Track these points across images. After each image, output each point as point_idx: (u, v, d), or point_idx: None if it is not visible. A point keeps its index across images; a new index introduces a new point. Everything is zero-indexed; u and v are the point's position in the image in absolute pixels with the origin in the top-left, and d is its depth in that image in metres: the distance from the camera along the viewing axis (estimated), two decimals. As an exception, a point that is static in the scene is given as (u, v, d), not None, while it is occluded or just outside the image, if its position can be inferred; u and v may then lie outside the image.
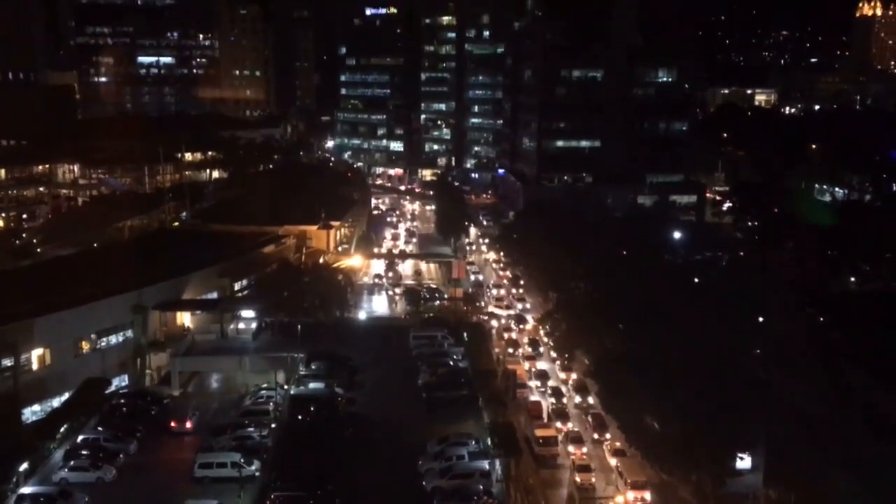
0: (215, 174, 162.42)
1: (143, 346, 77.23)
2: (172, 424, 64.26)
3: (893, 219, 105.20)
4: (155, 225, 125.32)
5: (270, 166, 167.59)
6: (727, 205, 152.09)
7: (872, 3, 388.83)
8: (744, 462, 54.18)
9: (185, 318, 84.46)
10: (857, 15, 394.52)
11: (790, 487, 51.47)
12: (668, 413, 52.47)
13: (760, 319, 65.94)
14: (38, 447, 58.10)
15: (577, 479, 58.04)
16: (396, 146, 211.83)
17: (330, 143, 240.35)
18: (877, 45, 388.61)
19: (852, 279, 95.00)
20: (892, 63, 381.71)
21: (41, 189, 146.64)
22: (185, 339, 78.37)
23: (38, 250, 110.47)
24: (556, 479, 60.37)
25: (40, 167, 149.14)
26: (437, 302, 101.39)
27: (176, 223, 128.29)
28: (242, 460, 54.83)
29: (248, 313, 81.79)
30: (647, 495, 55.10)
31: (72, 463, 56.16)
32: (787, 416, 51.40)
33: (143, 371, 77.05)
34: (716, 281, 79.07)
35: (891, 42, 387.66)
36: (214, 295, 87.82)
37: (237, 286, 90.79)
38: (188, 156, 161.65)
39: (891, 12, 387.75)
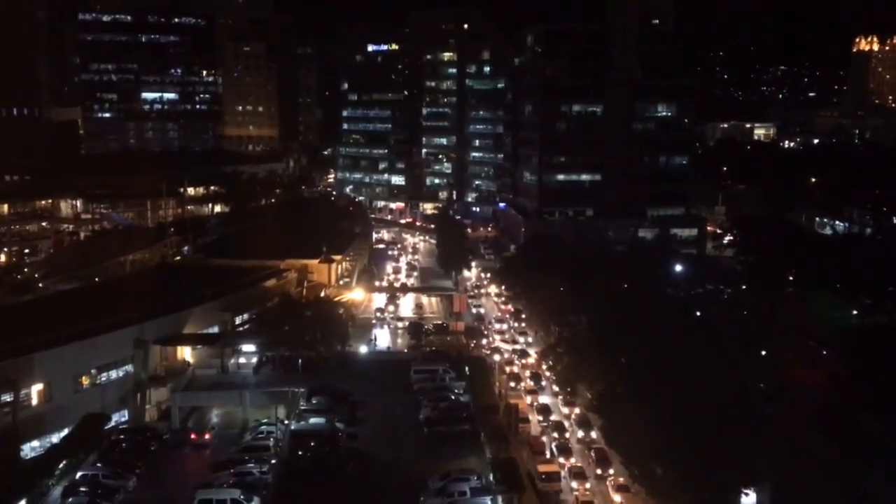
0: (217, 208, 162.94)
1: (144, 381, 76.63)
2: (192, 436, 67.23)
3: (894, 252, 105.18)
4: (157, 259, 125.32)
5: (273, 200, 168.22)
6: (728, 238, 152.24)
7: (869, 39, 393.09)
8: (749, 498, 53.57)
9: (185, 353, 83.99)
10: (855, 50, 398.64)
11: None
12: (672, 447, 52.02)
13: (763, 353, 65.64)
14: (37, 484, 57.50)
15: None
16: (398, 180, 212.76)
17: (332, 178, 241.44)
18: (874, 79, 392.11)
19: (854, 312, 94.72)
20: (890, 97, 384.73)
21: (44, 224, 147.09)
22: (186, 374, 77.90)
23: (40, 285, 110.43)
24: (559, 515, 59.73)
25: (43, 202, 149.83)
26: (438, 334, 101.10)
27: (178, 257, 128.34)
28: (242, 497, 54.30)
29: (248, 347, 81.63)
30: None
31: (70, 500, 55.65)
32: (792, 452, 50.90)
33: (143, 406, 76.42)
34: (717, 314, 78.83)
35: (888, 77, 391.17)
36: (215, 329, 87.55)
37: (238, 320, 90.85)
38: (191, 190, 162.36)
39: (887, 47, 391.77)
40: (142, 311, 79.26)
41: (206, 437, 67.83)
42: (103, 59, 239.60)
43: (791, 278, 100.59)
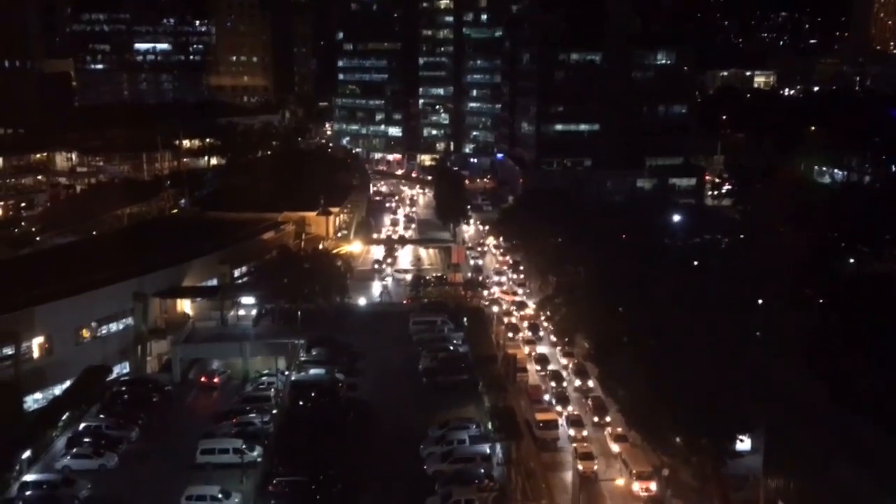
0: (213, 161, 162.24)
1: (144, 334, 77.30)
2: (203, 379, 70.16)
3: (893, 200, 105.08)
4: (154, 213, 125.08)
5: (269, 153, 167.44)
6: (726, 187, 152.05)
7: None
8: (744, 444, 54.30)
9: (185, 306, 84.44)
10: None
11: (791, 473, 51.59)
12: (668, 395, 52.55)
13: (760, 302, 65.95)
14: (41, 435, 58.05)
15: (580, 467, 58.22)
16: (395, 131, 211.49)
17: (328, 129, 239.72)
18: (876, 26, 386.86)
19: (851, 261, 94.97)
20: (892, 44, 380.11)
21: (39, 177, 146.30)
22: (186, 327, 78.27)
23: (38, 239, 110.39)
24: (556, 462, 60.78)
25: (38, 155, 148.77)
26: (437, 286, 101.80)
27: (175, 211, 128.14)
28: (244, 446, 55.04)
29: (248, 300, 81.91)
30: (653, 486, 55.26)
31: (74, 450, 56.31)
32: (787, 401, 51.44)
33: (144, 358, 77.21)
34: (715, 264, 79.01)
35: (890, 23, 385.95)
36: (214, 282, 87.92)
37: (237, 273, 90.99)
38: (186, 143, 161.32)
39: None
40: (140, 265, 79.42)
41: (216, 380, 70.36)
42: (95, 9, 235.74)
43: (789, 227, 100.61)
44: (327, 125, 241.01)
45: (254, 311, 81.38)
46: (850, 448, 48.46)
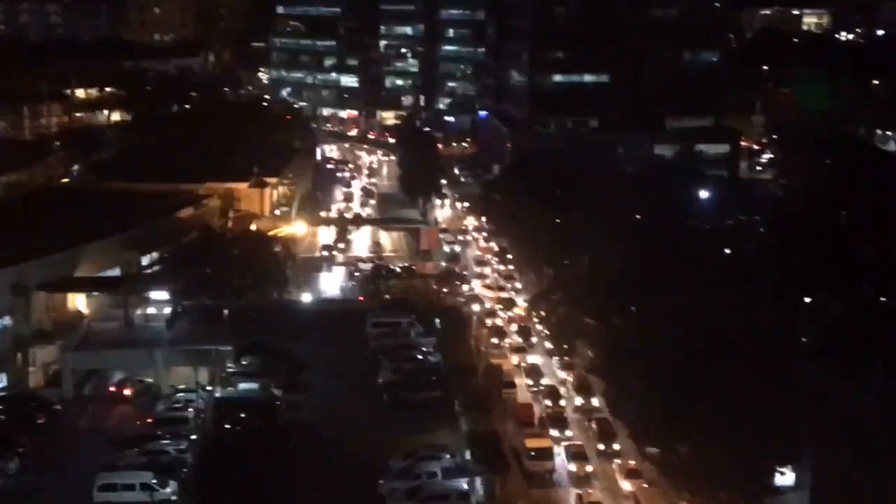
0: (116, 117, 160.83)
1: (25, 338, 76.58)
2: (112, 389, 71.29)
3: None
4: (38, 182, 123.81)
5: (187, 107, 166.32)
6: (767, 156, 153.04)
7: None
8: (786, 478, 54.93)
9: (79, 302, 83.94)
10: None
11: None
12: (693, 418, 53.24)
13: (808, 300, 66.77)
14: None
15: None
16: (349, 81, 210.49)
17: (264, 77, 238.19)
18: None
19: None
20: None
21: None
22: (80, 329, 77.74)
23: None
24: (551, 500, 60.81)
25: None
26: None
27: (66, 180, 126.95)
28: (155, 481, 54.91)
29: (160, 295, 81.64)
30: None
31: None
32: (841, 422, 52.11)
33: (26, 369, 76.23)
34: (753, 252, 79.92)
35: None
36: (117, 272, 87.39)
37: (146, 260, 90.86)
38: (80, 93, 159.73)
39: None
40: (20, 250, 78.63)
41: (127, 391, 70.45)
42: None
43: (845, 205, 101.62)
44: (262, 72, 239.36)
45: (168, 310, 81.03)
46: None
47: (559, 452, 64.69)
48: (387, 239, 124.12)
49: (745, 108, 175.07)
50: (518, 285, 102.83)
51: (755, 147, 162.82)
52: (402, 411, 67.10)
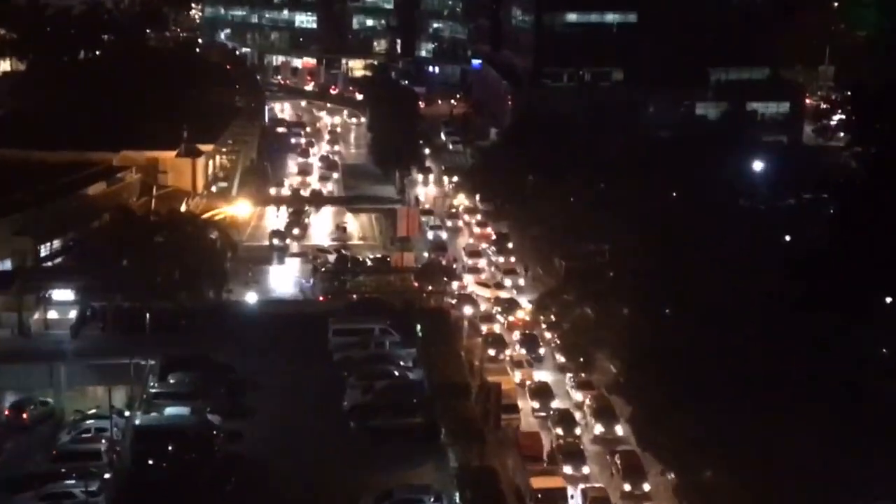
0: (5, 66, 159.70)
1: None
2: (6, 413, 70.98)
3: None
4: None
5: (98, 53, 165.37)
6: (838, 117, 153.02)
7: None
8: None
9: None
10: None
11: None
12: (746, 451, 53.43)
13: (889, 301, 66.87)
14: None
15: None
16: (306, 20, 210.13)
17: (196, 16, 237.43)
18: None
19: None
20: None
21: None
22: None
23: None
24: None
25: None
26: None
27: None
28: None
29: (63, 295, 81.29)
30: None
31: None
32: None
33: None
34: (820, 240, 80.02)
35: None
36: (7, 265, 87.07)
37: (44, 250, 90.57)
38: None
39: None
40: None
41: (24, 416, 70.41)
42: None
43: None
44: (194, 8, 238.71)
45: (73, 313, 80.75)
46: None
47: (573, 495, 64.56)
48: (354, 223, 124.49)
49: (811, 57, 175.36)
50: (521, 282, 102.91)
51: (823, 106, 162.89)
52: (374, 443, 66.52)
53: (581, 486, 65.99)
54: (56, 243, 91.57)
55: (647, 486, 65.18)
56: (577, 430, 72.78)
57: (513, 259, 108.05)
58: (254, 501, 59.69)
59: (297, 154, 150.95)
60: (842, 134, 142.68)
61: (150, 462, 63.14)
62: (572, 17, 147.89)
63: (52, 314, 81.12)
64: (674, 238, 75.93)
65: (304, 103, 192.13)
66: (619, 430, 72.16)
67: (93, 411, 70.57)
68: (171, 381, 73.12)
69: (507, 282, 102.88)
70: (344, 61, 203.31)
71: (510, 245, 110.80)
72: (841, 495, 52.48)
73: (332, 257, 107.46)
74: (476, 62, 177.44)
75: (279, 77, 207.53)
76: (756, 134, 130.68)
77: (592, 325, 76.80)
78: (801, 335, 59.48)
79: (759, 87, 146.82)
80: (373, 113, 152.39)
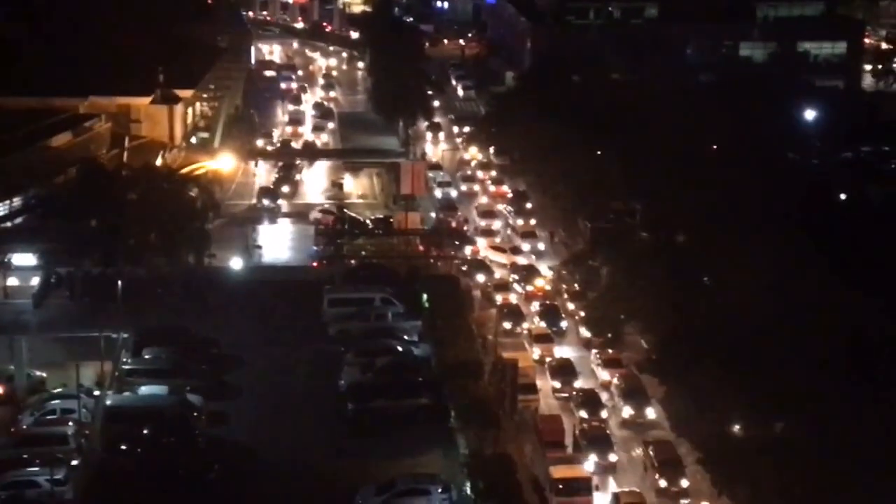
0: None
1: None
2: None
3: None
4: None
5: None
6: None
7: None
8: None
9: None
10: None
11: None
12: (795, 440, 52.72)
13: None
14: None
15: None
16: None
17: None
18: None
19: None
20: None
21: None
22: None
23: None
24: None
25: None
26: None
27: None
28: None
29: (24, 259, 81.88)
30: None
31: None
32: None
33: None
34: (881, 198, 79.53)
35: None
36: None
37: (3, 209, 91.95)
38: None
39: None
40: None
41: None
42: None
43: None
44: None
45: (36, 280, 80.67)
46: None
47: (598, 486, 64.24)
48: (352, 180, 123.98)
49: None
50: (541, 246, 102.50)
51: (885, 46, 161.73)
52: (375, 427, 66.69)
53: (613, 490, 65.06)
54: (16, 201, 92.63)
55: (684, 483, 64.09)
56: (604, 413, 72.67)
57: (532, 220, 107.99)
58: (239, 491, 59.84)
59: (287, 101, 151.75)
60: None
61: (123, 447, 63.30)
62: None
63: (12, 281, 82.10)
64: (715, 195, 75.75)
65: (295, 43, 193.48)
66: (651, 413, 72.03)
67: (58, 390, 71.39)
68: (147, 357, 73.57)
69: (526, 246, 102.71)
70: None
71: (529, 205, 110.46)
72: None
73: (326, 218, 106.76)
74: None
75: (266, 13, 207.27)
76: (808, 78, 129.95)
77: (622, 295, 75.97)
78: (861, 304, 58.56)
79: (811, 24, 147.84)
80: (373, 55, 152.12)
